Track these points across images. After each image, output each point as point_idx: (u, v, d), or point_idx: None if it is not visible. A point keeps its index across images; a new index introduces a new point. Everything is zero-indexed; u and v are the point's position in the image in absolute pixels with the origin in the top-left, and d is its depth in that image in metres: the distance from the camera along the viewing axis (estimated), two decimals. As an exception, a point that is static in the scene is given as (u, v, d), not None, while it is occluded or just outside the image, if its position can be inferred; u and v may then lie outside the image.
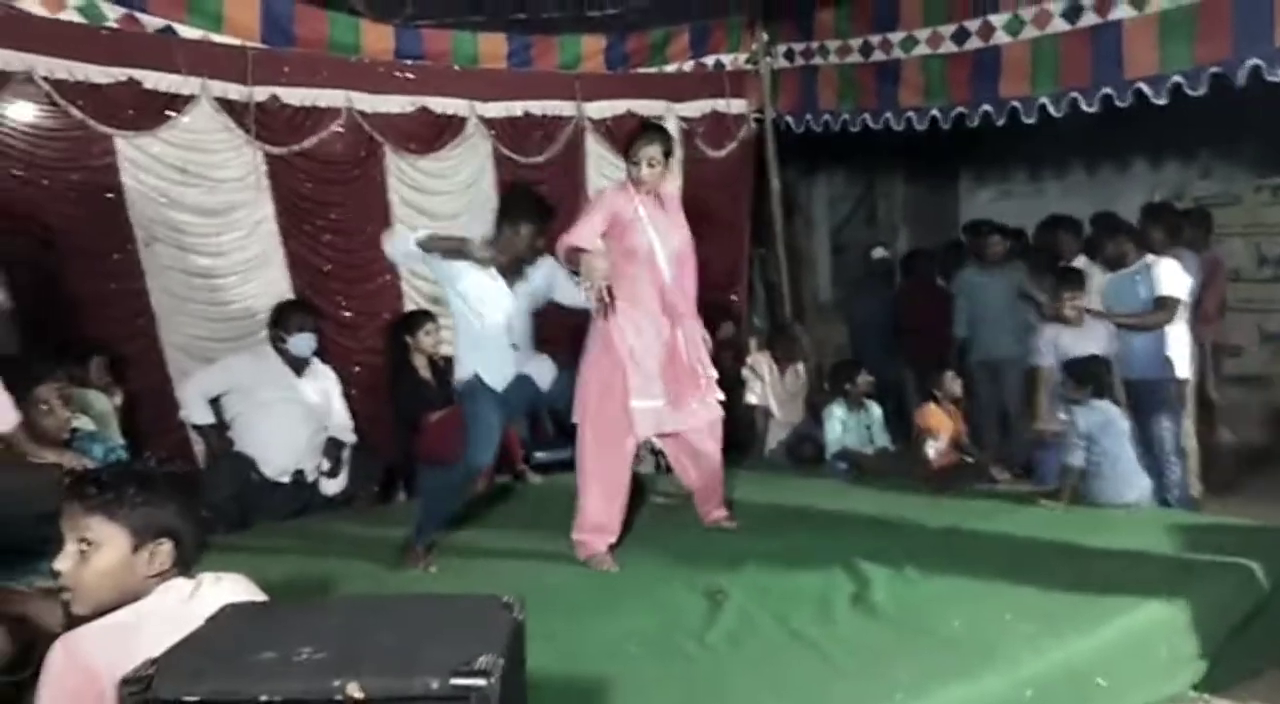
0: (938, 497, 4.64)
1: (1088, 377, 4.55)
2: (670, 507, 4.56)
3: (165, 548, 1.84)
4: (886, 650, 2.86)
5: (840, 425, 5.39)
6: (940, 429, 5.02)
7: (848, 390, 5.40)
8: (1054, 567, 3.50)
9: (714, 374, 4.08)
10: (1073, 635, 2.93)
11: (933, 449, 4.96)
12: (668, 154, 3.89)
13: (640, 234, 3.84)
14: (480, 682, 1.47)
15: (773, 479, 5.19)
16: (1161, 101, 4.88)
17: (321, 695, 1.46)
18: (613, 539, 3.91)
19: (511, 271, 3.91)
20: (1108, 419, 4.44)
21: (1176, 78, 4.80)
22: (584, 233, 3.75)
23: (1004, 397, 6.02)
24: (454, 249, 3.82)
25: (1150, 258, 5.05)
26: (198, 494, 1.92)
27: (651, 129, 4.07)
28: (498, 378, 3.91)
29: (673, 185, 4.20)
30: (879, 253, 7.24)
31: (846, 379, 5.44)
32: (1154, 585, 3.28)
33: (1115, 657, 2.96)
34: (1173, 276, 4.94)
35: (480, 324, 3.87)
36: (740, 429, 5.81)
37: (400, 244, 3.92)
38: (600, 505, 3.87)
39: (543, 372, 4.03)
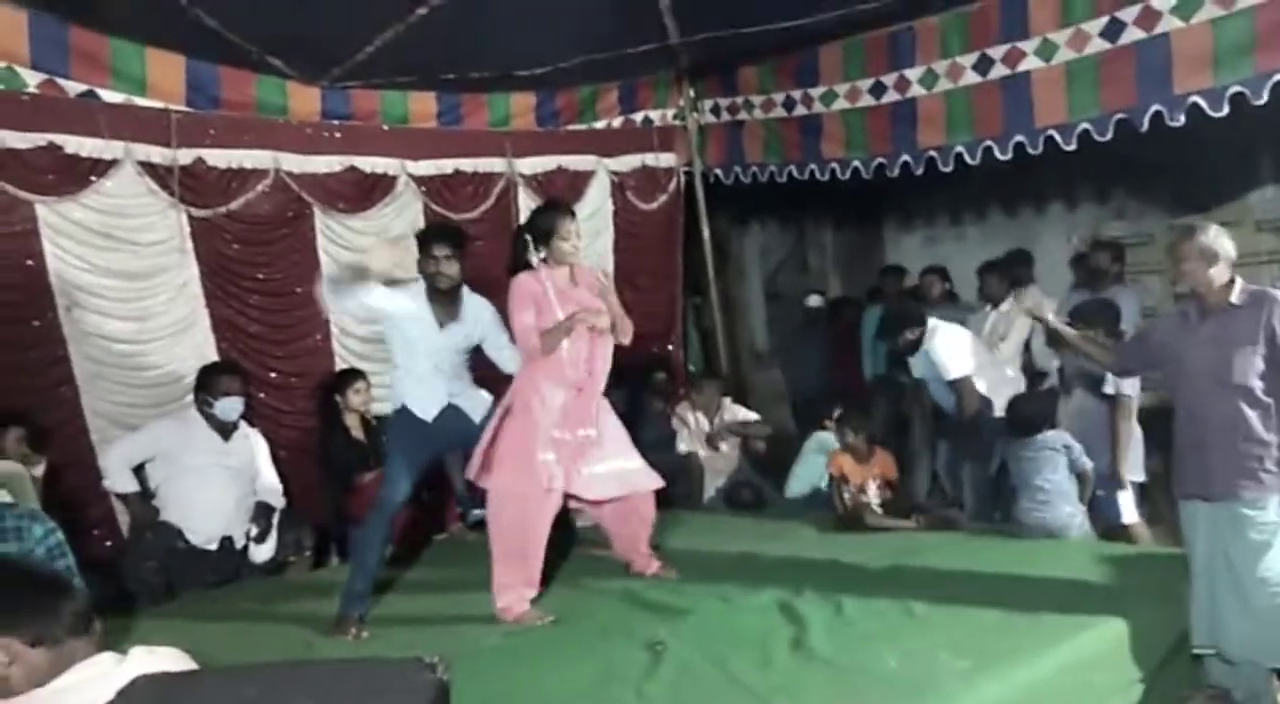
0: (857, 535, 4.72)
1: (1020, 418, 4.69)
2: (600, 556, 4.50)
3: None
4: (824, 693, 2.87)
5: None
6: (852, 475, 5.01)
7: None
8: (987, 600, 3.54)
9: (620, 435, 4.05)
10: (1006, 670, 2.96)
11: (847, 495, 4.97)
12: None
13: (549, 313, 3.84)
14: (400, 744, 1.45)
15: (710, 525, 5.19)
16: (1070, 147, 5.07)
17: (234, 766, 1.42)
18: (533, 593, 3.87)
19: (441, 304, 3.98)
20: (1023, 443, 4.53)
21: (1084, 124, 5.00)
22: (532, 334, 3.80)
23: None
24: (353, 275, 4.01)
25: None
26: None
27: (567, 205, 4.18)
28: (426, 407, 3.95)
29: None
30: (814, 301, 7.38)
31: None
32: (1085, 616, 3.34)
33: (1049, 689, 3.00)
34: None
35: (409, 355, 3.95)
36: (676, 477, 5.83)
37: (335, 294, 4.00)
38: (516, 564, 3.82)
39: (475, 405, 4.07)
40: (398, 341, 4.00)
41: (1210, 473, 3.29)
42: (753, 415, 5.97)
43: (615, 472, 3.99)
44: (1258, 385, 3.20)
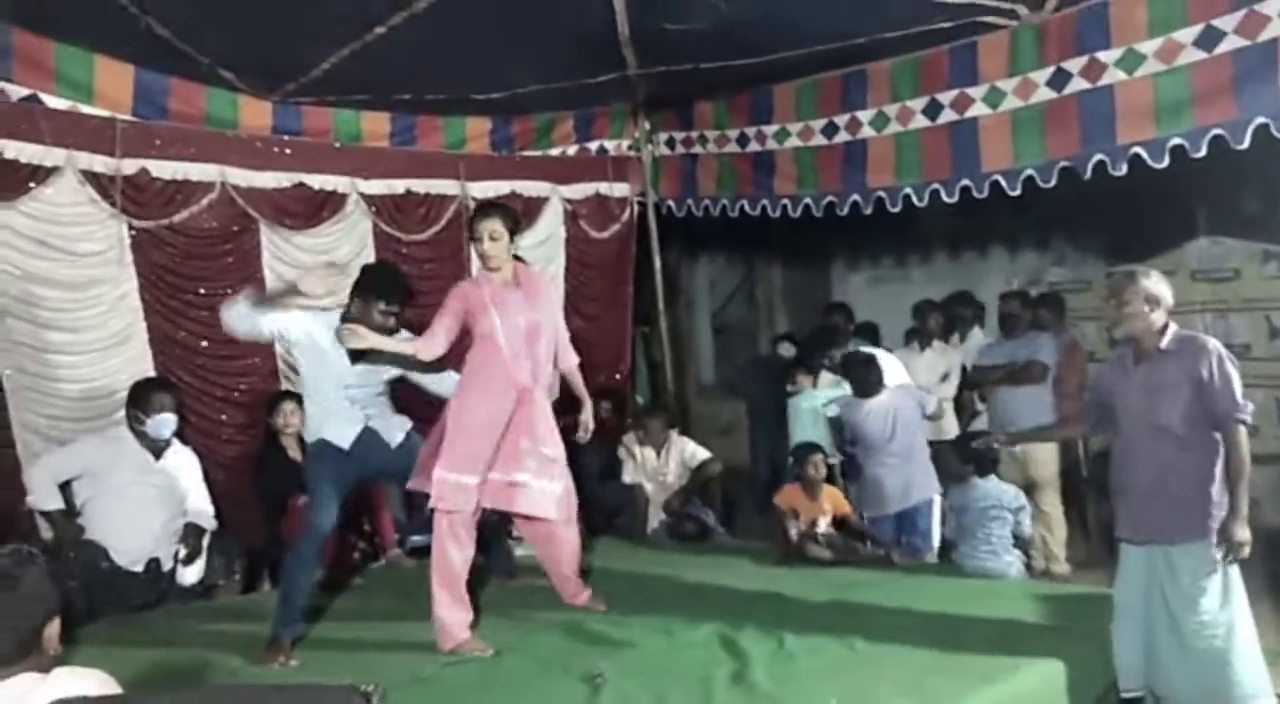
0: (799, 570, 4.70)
1: (970, 455, 4.74)
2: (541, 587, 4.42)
3: None
4: (764, 730, 2.85)
5: None
6: (802, 510, 5.00)
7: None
8: (927, 638, 3.56)
9: (554, 455, 3.93)
10: (945, 708, 2.97)
11: (793, 528, 4.94)
12: (511, 229, 3.83)
13: (486, 317, 3.80)
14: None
15: (653, 557, 5.15)
16: (1015, 192, 5.18)
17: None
18: (468, 616, 3.80)
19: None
20: (974, 495, 4.59)
21: (1029, 171, 5.10)
22: (434, 339, 3.77)
23: None
24: (282, 294, 3.87)
25: None
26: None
27: (487, 205, 4.21)
28: (343, 435, 3.92)
29: (551, 265, 4.20)
30: (785, 349, 7.24)
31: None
32: (1022, 654, 3.37)
33: (986, 728, 3.01)
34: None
35: (319, 381, 3.92)
36: (621, 508, 5.79)
37: (234, 313, 3.77)
38: (438, 584, 3.77)
39: (392, 429, 4.05)
40: (306, 370, 3.97)
41: (1143, 517, 3.34)
42: (704, 453, 5.92)
43: (537, 490, 3.88)
44: (1186, 431, 3.25)
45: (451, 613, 3.75)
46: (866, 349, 5.61)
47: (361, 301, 3.87)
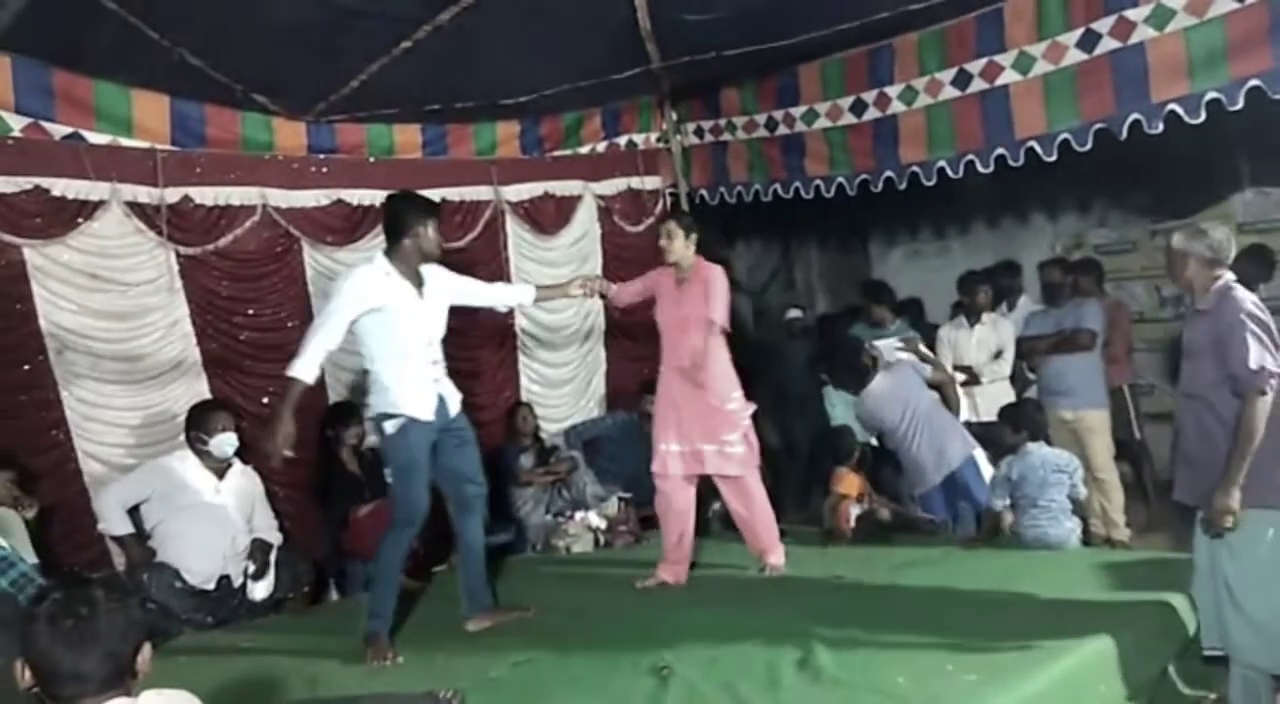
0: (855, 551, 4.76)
1: (1020, 422, 4.72)
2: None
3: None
4: (834, 713, 2.87)
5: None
6: (861, 489, 5.05)
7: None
8: (988, 613, 3.57)
9: (723, 425, 4.41)
10: (1014, 682, 2.97)
11: (855, 511, 4.96)
12: (687, 229, 4.52)
13: (658, 304, 4.56)
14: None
15: (709, 546, 5.16)
16: (1051, 158, 5.11)
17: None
18: (671, 576, 4.46)
19: (411, 278, 3.82)
20: (1031, 463, 4.56)
21: (1064, 134, 5.04)
22: (625, 288, 4.79)
23: None
24: None
25: None
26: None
27: (668, 211, 4.89)
28: (426, 405, 3.78)
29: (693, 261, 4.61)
30: (793, 313, 7.36)
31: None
32: (1088, 625, 3.35)
33: (1057, 699, 3.01)
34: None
35: (404, 346, 3.74)
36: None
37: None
38: (665, 540, 4.55)
39: (452, 394, 3.95)
40: (382, 334, 3.71)
41: (1193, 483, 3.28)
42: None
43: (712, 453, 4.43)
44: (1212, 394, 3.13)
45: (666, 566, 4.47)
46: (869, 342, 5.69)
47: (420, 228, 3.78)
